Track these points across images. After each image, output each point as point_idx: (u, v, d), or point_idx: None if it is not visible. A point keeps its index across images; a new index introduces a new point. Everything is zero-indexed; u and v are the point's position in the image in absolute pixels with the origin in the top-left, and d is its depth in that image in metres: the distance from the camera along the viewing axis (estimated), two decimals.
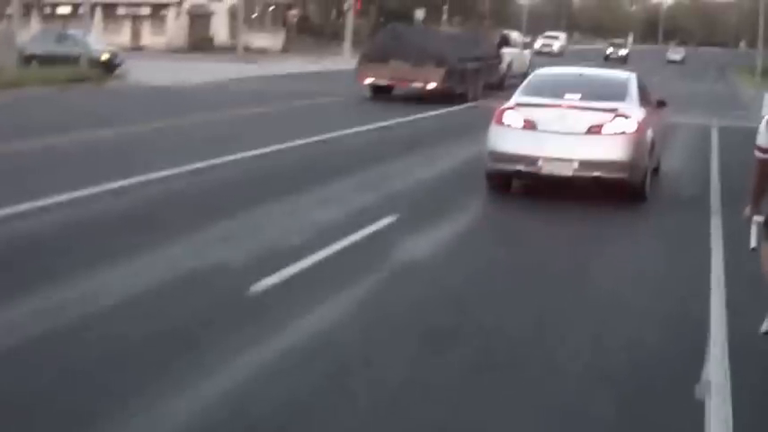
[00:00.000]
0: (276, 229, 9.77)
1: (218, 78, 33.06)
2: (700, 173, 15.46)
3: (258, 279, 7.59)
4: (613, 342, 6.64)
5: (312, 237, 9.34)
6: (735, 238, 9.37)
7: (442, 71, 26.19)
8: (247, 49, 55.70)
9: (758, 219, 5.99)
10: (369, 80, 27.06)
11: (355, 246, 9.13)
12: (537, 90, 12.66)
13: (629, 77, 13.26)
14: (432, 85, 26.29)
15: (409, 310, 7.16)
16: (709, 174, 15.03)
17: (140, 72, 32.89)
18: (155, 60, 43.98)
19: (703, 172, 15.48)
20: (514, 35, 36.94)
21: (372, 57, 27.31)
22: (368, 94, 27.21)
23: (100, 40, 38.98)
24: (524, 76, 35.81)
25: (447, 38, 30.01)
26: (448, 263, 8.79)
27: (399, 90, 27.31)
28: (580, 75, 13.73)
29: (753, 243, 5.97)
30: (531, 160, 11.75)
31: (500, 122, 12.18)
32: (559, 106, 11.96)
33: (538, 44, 70.28)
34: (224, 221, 9.94)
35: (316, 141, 16.95)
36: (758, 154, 5.96)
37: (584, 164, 11.63)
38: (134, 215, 10.15)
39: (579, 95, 12.15)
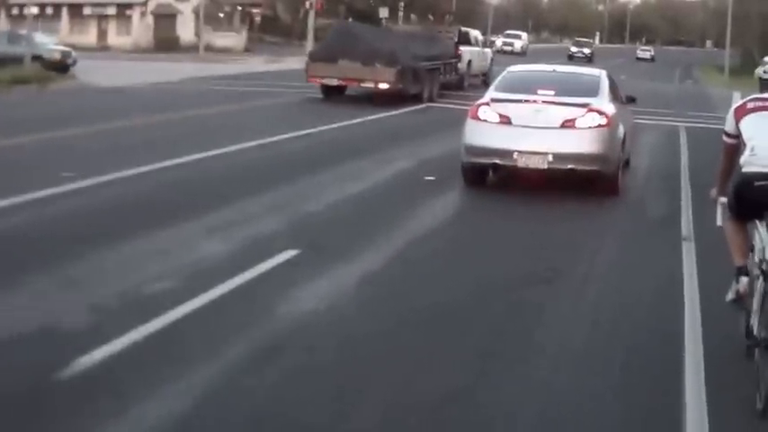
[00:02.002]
0: (142, 270, 7.91)
1: (171, 79, 31.72)
2: (669, 183, 14.18)
3: (84, 351, 5.79)
4: None
5: (180, 282, 7.57)
6: (707, 259, 8.60)
7: (393, 71, 24.82)
8: (209, 49, 55.19)
9: (723, 200, 6.39)
10: (317, 80, 25.63)
11: (230, 296, 7.28)
12: (511, 86, 12.96)
13: (600, 74, 13.63)
14: (383, 86, 24.92)
15: (275, 406, 5.28)
16: (680, 188, 13.56)
17: (95, 73, 31.51)
18: (116, 60, 42.86)
19: (673, 181, 14.20)
20: (474, 33, 35.33)
21: (321, 56, 25.94)
22: (320, 94, 25.91)
23: (52, 40, 37.60)
24: (485, 75, 34.93)
25: (400, 36, 28.63)
26: (341, 329, 6.65)
27: (352, 90, 25.81)
28: (553, 71, 14.11)
29: (718, 221, 6.50)
30: (507, 154, 12.01)
31: (476, 117, 12.43)
32: (534, 101, 12.25)
33: (499, 43, 68.55)
34: (76, 261, 8.04)
35: (241, 149, 15.39)
36: (725, 139, 6.41)
37: (559, 157, 11.92)
38: None
39: (552, 91, 12.42)
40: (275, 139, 16.82)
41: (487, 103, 12.45)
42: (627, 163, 13.98)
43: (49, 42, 36.00)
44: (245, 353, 6.10)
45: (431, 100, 26.37)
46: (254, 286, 7.63)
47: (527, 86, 12.77)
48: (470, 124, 12.49)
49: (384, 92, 24.99)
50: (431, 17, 66.98)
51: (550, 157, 11.92)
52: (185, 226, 9.62)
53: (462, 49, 31.68)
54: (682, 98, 34.62)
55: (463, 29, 34.90)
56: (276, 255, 8.53)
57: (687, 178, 14.22)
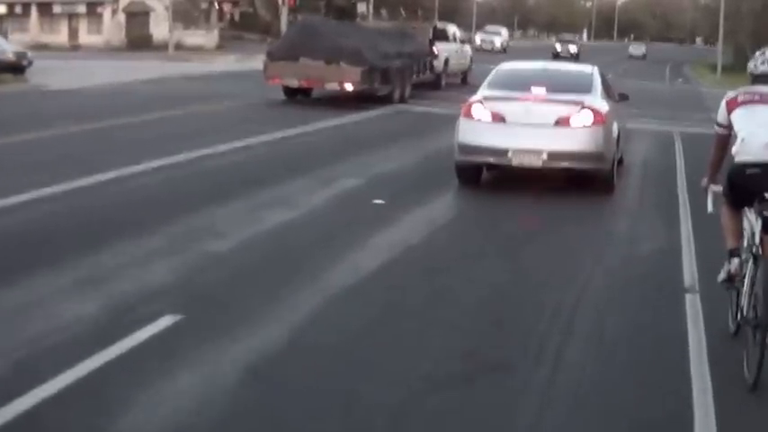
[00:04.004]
0: None
1: (131, 79, 29.60)
2: (665, 204, 12.06)
3: None
4: None
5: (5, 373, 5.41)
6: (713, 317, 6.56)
7: (359, 70, 22.60)
8: (180, 48, 53.53)
9: (714, 188, 6.66)
10: (277, 81, 23.38)
11: (60, 398, 5.11)
12: (503, 84, 12.81)
13: (592, 71, 13.46)
14: (349, 87, 22.64)
15: None
16: (679, 217, 11.25)
17: (52, 74, 29.61)
18: (81, 60, 40.91)
19: (670, 200, 12.10)
20: (452, 29, 32.93)
21: (280, 55, 23.68)
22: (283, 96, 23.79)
23: (4, 41, 35.82)
24: (465, 74, 32.61)
25: (368, 33, 26.32)
26: None
27: (319, 91, 23.70)
28: (545, 68, 13.98)
29: (710, 208, 6.73)
30: (501, 152, 11.84)
31: (468, 116, 12.20)
32: (527, 99, 12.07)
33: (477, 40, 65.66)
34: None
35: (160, 167, 12.95)
36: (716, 129, 6.63)
37: (553, 155, 11.78)
38: None
39: (545, 88, 12.25)
40: (206, 152, 14.42)
41: (480, 101, 12.25)
42: (620, 161, 13.61)
43: (1, 43, 34.05)
44: None
45: (402, 102, 24.24)
46: (101, 379, 5.46)
47: (519, 84, 12.60)
48: (463, 123, 12.25)
49: (350, 93, 22.82)
50: (402, 12, 64.19)
51: (545, 156, 11.76)
52: (39, 281, 7.30)
53: (439, 46, 29.41)
54: (674, 99, 32.44)
55: (439, 24, 32.64)
56: (149, 323, 6.38)
57: (687, 202, 12.00)
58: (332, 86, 22.97)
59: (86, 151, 14.36)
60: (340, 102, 22.86)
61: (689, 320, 7.01)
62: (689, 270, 8.48)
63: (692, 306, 7.37)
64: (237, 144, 15.44)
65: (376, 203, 10.84)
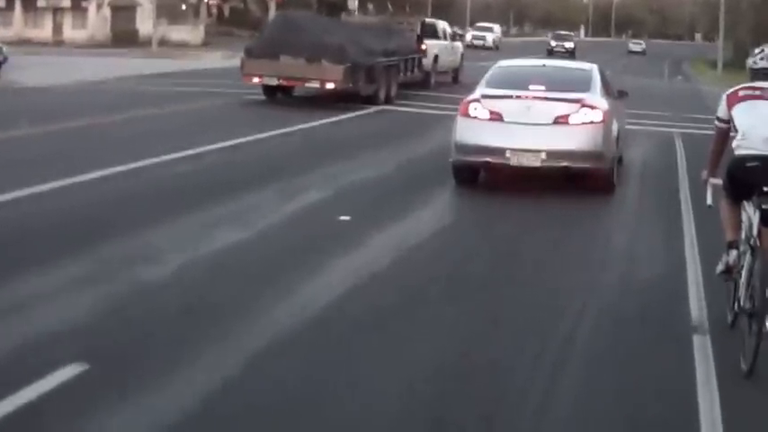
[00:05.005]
0: None
1: (108, 77, 28.47)
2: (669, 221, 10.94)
3: None
4: None
5: None
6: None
7: (341, 68, 21.37)
8: (165, 44, 52.69)
9: (714, 181, 6.80)
10: (255, 80, 22.17)
11: None
12: (500, 82, 12.65)
13: (591, 68, 13.35)
14: (330, 86, 21.44)
15: None
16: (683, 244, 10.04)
17: (29, 70, 28.68)
18: (64, 56, 39.88)
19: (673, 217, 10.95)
20: (442, 25, 31.64)
21: (259, 52, 22.45)
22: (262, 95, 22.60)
23: None
24: (456, 72, 31.42)
25: (351, 29, 25.11)
26: None
27: (302, 90, 22.50)
28: (543, 66, 14.04)
29: (709, 201, 6.84)
30: (499, 152, 11.70)
31: (466, 114, 12.07)
32: (525, 97, 11.95)
33: (469, 36, 64.09)
34: None
35: (109, 175, 11.69)
36: (717, 123, 6.78)
37: (552, 154, 11.63)
38: None
39: (544, 86, 12.17)
40: (174, 156, 13.20)
41: (478, 100, 12.10)
42: (620, 160, 13.31)
43: None
44: None
45: (388, 102, 23.02)
46: None
47: (517, 82, 12.47)
48: (461, 121, 12.11)
49: (332, 92, 21.62)
50: (390, 6, 62.71)
51: (544, 155, 11.59)
52: None
53: (428, 43, 28.18)
54: (674, 98, 31.25)
55: (428, 20, 31.40)
56: (48, 375, 5.24)
57: (690, 204, 10.98)
58: (313, 86, 21.77)
59: (42, 154, 13.20)
60: (322, 102, 21.71)
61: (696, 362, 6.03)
62: (696, 307, 7.28)
63: (701, 346, 6.30)
64: (211, 147, 14.34)
65: (341, 219, 9.64)
